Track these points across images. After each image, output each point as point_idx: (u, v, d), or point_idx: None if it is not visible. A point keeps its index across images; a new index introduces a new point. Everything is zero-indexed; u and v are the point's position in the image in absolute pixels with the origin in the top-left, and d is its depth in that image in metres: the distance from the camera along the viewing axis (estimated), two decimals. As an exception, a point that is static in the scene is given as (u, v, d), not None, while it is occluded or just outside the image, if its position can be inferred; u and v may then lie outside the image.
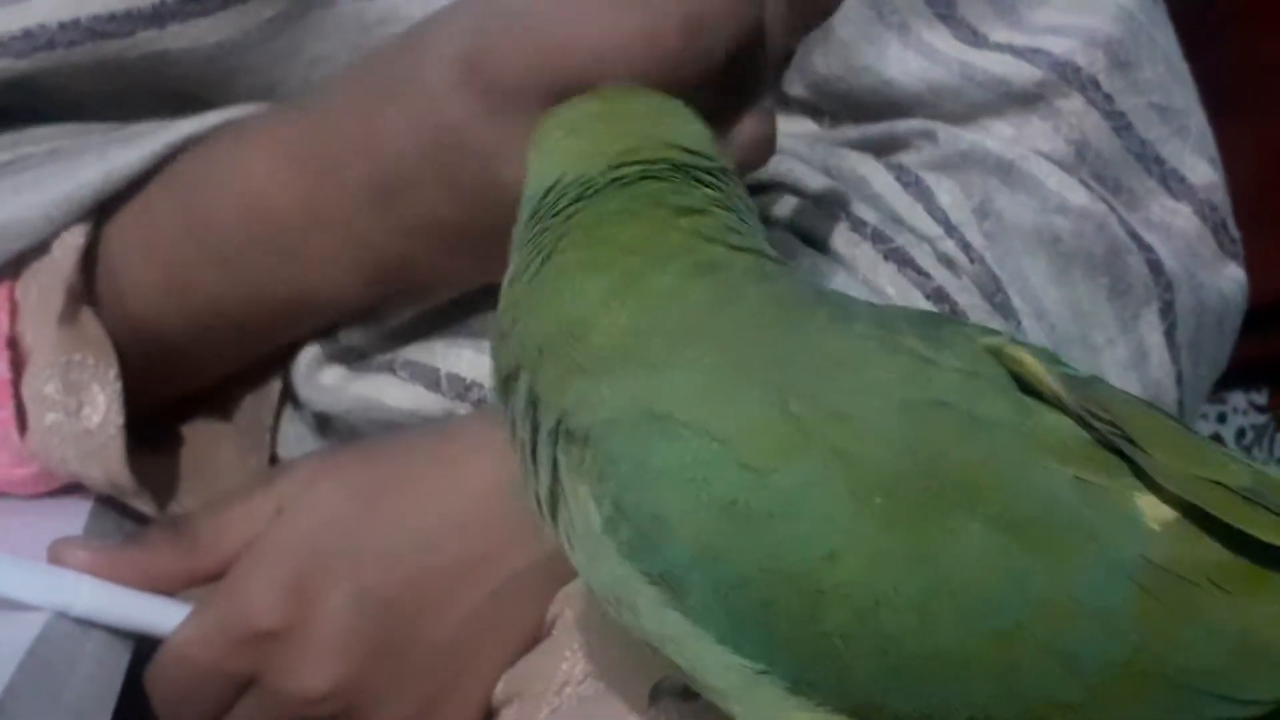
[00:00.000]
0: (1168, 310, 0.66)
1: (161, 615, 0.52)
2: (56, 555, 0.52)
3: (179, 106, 0.60)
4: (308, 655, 0.52)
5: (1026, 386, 0.41)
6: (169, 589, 0.53)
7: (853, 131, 0.66)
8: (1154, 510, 0.39)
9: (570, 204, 0.44)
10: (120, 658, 0.51)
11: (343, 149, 0.54)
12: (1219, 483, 0.39)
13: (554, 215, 0.44)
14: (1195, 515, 0.39)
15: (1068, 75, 0.64)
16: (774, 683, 0.40)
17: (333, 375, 0.59)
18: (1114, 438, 0.40)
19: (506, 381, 0.44)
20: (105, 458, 0.55)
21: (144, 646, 0.52)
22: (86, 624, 0.51)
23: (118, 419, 0.55)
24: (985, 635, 0.38)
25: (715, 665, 0.40)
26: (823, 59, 0.66)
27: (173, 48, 0.58)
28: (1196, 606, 0.39)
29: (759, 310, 0.42)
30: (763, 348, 0.41)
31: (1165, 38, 0.66)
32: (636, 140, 0.45)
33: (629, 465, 0.39)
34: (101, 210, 0.57)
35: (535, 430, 0.42)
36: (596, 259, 0.43)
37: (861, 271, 0.61)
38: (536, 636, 0.55)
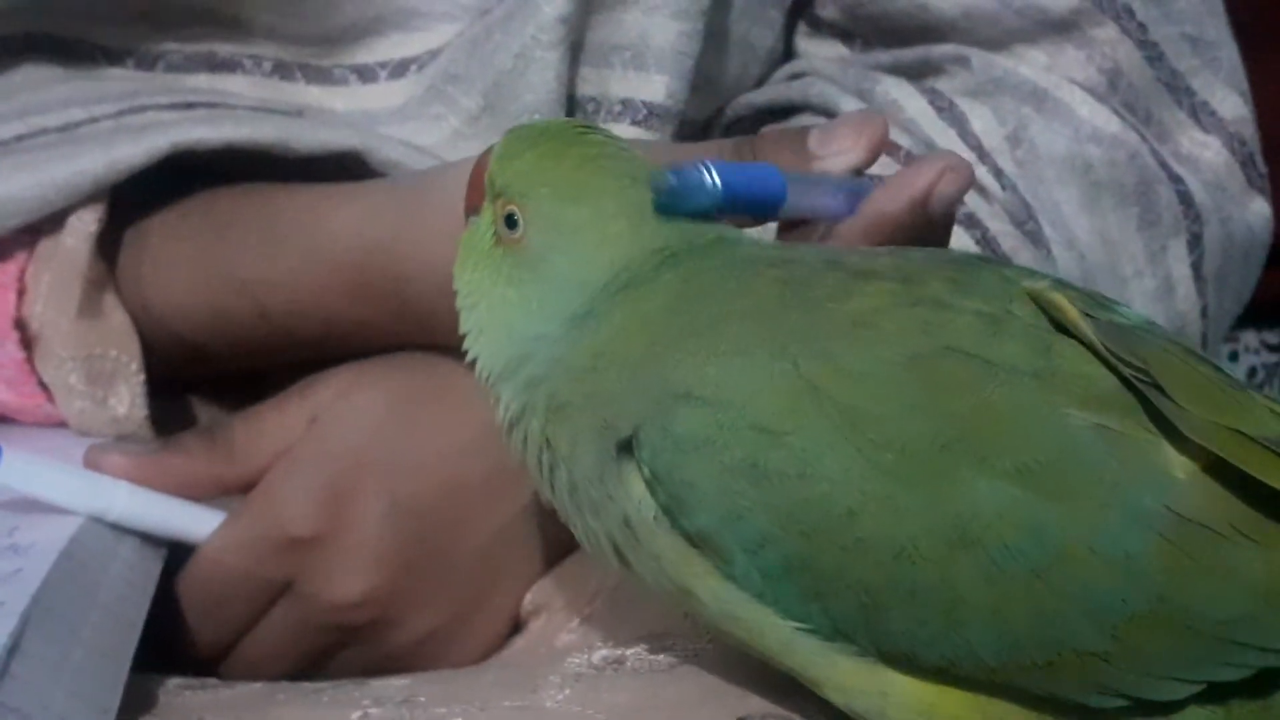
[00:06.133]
0: (1195, 243, 0.66)
1: (196, 522, 0.53)
2: (93, 460, 0.52)
3: (208, 27, 0.60)
4: (342, 562, 0.52)
5: (1066, 331, 0.41)
6: (202, 495, 0.53)
7: (885, 56, 0.66)
8: (1180, 458, 0.39)
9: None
10: (154, 563, 0.51)
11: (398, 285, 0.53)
12: (1243, 432, 0.39)
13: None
14: (1218, 465, 0.39)
15: (1102, 3, 0.64)
16: (815, 637, 0.40)
17: None
18: (1140, 383, 0.40)
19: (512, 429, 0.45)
20: (138, 438, 0.56)
21: (178, 553, 0.53)
22: (121, 529, 0.51)
23: (142, 410, 0.55)
24: (1006, 586, 0.39)
25: (762, 626, 0.41)
26: (856, -18, 0.66)
27: None
28: (1221, 556, 0.39)
29: (767, 293, 0.42)
30: (776, 322, 0.41)
31: None
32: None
33: (658, 435, 0.41)
34: (138, 217, 0.56)
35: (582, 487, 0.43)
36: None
37: None
38: (568, 549, 0.55)
